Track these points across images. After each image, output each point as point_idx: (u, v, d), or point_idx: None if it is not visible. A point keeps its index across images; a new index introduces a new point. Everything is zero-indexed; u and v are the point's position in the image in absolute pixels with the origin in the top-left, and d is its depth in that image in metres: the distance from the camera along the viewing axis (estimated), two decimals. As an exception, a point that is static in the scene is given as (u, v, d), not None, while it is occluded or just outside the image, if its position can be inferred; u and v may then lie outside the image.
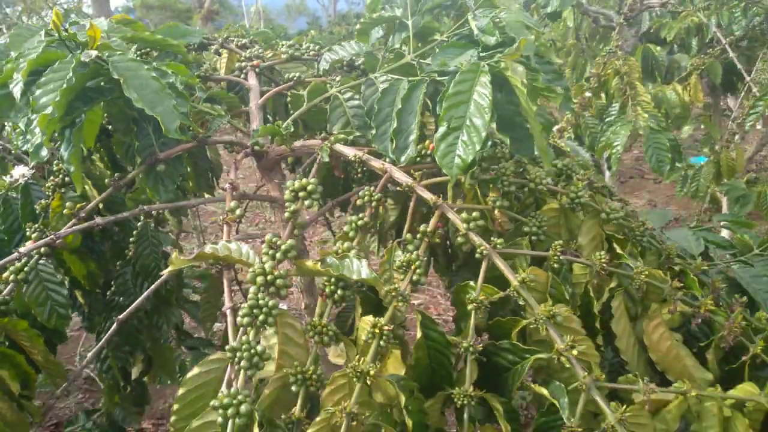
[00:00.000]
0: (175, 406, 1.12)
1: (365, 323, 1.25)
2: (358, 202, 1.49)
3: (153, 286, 1.45)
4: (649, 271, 1.34)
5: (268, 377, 1.16)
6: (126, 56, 1.38)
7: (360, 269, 1.23)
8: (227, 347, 1.11)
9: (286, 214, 1.38)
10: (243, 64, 2.08)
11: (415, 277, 1.34)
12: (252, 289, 1.18)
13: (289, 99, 1.90)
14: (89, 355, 1.47)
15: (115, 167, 1.84)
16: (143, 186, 1.62)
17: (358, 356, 1.19)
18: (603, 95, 3.38)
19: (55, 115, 1.30)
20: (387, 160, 1.52)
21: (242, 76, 2.07)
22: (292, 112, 1.86)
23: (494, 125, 1.33)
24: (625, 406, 1.12)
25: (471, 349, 1.25)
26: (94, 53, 1.33)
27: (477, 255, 1.34)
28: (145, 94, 1.33)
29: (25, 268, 1.48)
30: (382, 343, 1.21)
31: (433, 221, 1.41)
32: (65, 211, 1.58)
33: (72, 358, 3.91)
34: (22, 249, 1.47)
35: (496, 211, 1.47)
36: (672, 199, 7.02)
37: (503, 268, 1.30)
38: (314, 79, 1.92)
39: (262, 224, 6.64)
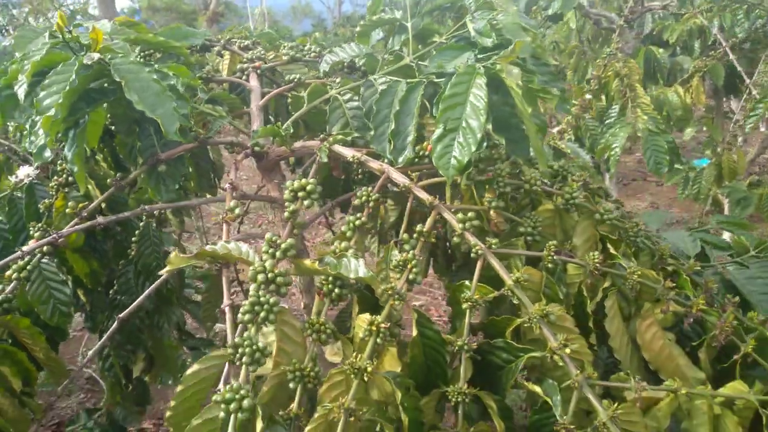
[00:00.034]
0: (173, 402, 1.12)
1: (362, 321, 1.27)
2: (356, 202, 1.51)
3: (154, 285, 1.47)
4: (642, 271, 1.36)
5: (265, 374, 1.18)
6: (128, 59, 1.40)
7: (357, 268, 1.25)
8: (229, 343, 1.13)
9: (286, 214, 1.40)
10: (245, 65, 2.11)
11: (411, 276, 1.35)
12: (252, 287, 1.19)
13: (289, 100, 1.92)
14: (90, 352, 1.49)
15: (118, 167, 1.86)
16: (145, 186, 1.64)
17: (355, 353, 1.21)
18: (603, 97, 3.39)
19: (58, 117, 1.32)
20: (385, 161, 1.54)
21: (244, 77, 2.09)
22: (293, 113, 1.88)
23: (490, 126, 1.34)
24: (616, 404, 1.13)
25: (465, 347, 1.27)
26: (96, 56, 1.35)
27: (472, 255, 1.35)
28: (146, 97, 1.35)
29: (28, 267, 1.50)
30: (378, 340, 1.22)
31: (429, 221, 1.43)
32: (68, 210, 1.61)
33: (74, 358, 3.94)
34: (24, 247, 1.49)
35: (491, 212, 1.49)
36: (674, 201, 7.02)
37: (498, 268, 1.32)
38: (315, 80, 1.95)
39: (265, 225, 6.67)
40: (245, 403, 1.03)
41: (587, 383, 1.16)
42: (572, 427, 1.12)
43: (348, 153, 1.56)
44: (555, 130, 3.18)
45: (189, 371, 1.13)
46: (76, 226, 1.55)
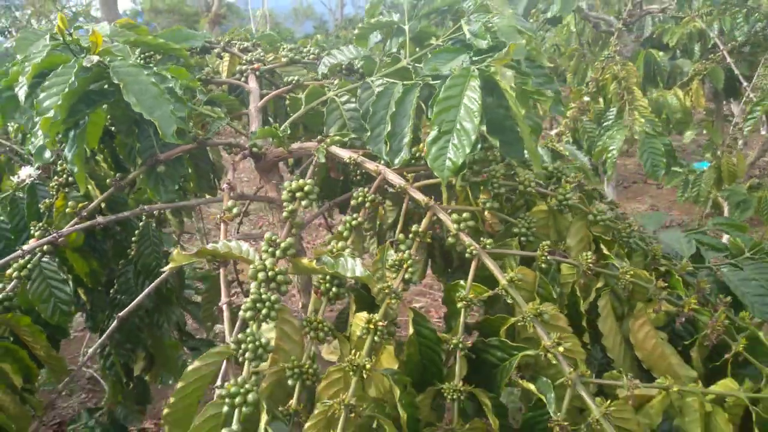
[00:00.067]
0: (171, 399, 1.12)
1: (359, 320, 1.28)
2: (353, 202, 1.53)
3: (154, 284, 1.49)
4: (634, 272, 1.38)
5: (261, 372, 1.19)
6: (127, 61, 1.42)
7: (354, 267, 1.26)
8: (232, 338, 1.14)
9: (284, 214, 1.41)
10: (244, 67, 2.13)
11: (407, 276, 1.37)
12: (253, 284, 1.21)
13: (287, 102, 1.94)
14: (90, 350, 1.51)
15: (119, 168, 1.88)
16: (144, 186, 1.66)
17: (354, 351, 1.22)
18: (601, 100, 3.41)
19: (58, 118, 1.34)
20: (382, 162, 1.55)
21: (243, 79, 2.11)
22: (291, 114, 1.90)
23: (484, 128, 1.36)
24: (609, 401, 1.15)
25: (460, 345, 1.28)
26: (96, 58, 1.37)
27: (467, 255, 1.37)
28: (144, 99, 1.37)
29: (28, 266, 1.52)
30: (376, 338, 1.24)
31: (424, 222, 1.44)
32: (68, 210, 1.62)
33: (76, 359, 3.95)
34: (25, 246, 1.51)
35: (486, 213, 1.50)
36: (674, 204, 7.03)
37: (492, 267, 1.34)
38: (313, 82, 1.96)
39: (265, 227, 6.69)
40: (250, 397, 1.03)
41: (580, 381, 1.18)
42: (566, 423, 1.13)
43: (345, 154, 1.58)
44: (553, 132, 3.20)
45: (190, 368, 1.13)
46: (76, 226, 1.57)
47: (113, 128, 1.74)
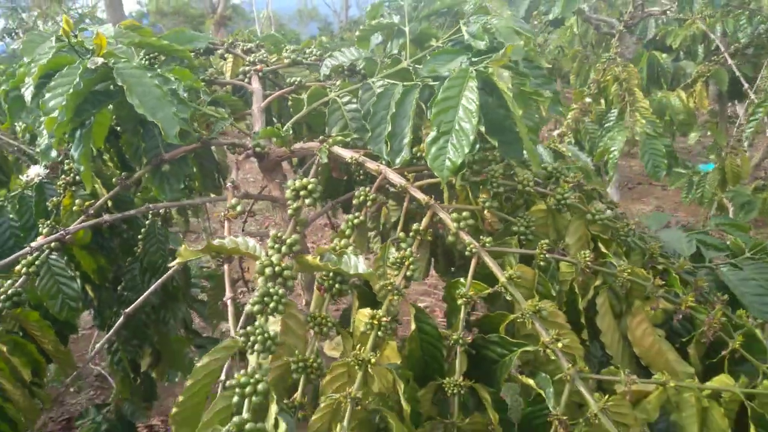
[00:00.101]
0: (181, 398, 1.12)
1: (362, 315, 1.30)
2: (354, 201, 1.55)
3: (160, 280, 1.51)
4: (632, 270, 1.40)
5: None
6: (130, 63, 1.45)
7: (357, 264, 1.29)
8: (240, 331, 1.15)
9: (289, 211, 1.43)
10: (247, 68, 2.15)
11: (408, 273, 1.39)
12: (260, 280, 1.22)
13: (290, 103, 1.97)
14: (98, 345, 1.53)
15: (125, 167, 1.90)
16: (150, 185, 1.69)
17: (359, 345, 1.24)
18: (602, 101, 3.43)
19: (63, 119, 1.37)
20: (383, 162, 1.58)
21: (246, 80, 2.14)
22: (294, 115, 1.92)
23: (483, 129, 1.38)
24: (607, 396, 1.17)
25: (461, 341, 1.31)
26: (100, 60, 1.40)
27: (467, 253, 1.39)
28: (147, 101, 1.40)
29: (36, 262, 1.54)
30: (380, 333, 1.26)
31: (425, 220, 1.47)
32: (75, 208, 1.65)
33: (83, 356, 3.98)
34: (33, 243, 1.54)
35: (486, 212, 1.52)
36: (680, 205, 7.03)
37: (491, 265, 1.36)
38: (315, 83, 1.99)
39: (271, 227, 6.70)
40: (260, 386, 1.03)
41: (579, 376, 1.20)
42: (564, 418, 1.15)
43: (346, 154, 1.61)
44: (555, 133, 3.22)
45: (199, 364, 1.13)
46: (83, 223, 1.60)
47: (119, 128, 1.77)
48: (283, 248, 1.29)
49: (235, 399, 1.04)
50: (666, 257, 1.57)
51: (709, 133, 5.87)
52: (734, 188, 4.14)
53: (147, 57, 1.96)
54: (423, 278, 1.92)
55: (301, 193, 1.44)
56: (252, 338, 1.12)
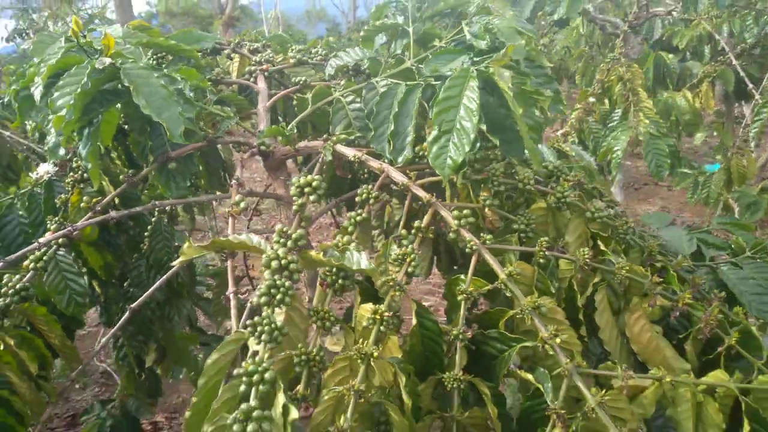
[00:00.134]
0: (194, 399, 1.13)
1: (365, 310, 1.32)
2: (357, 198, 1.57)
3: (165, 276, 1.54)
4: (630, 267, 1.41)
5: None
6: (137, 64, 1.47)
7: (359, 260, 1.30)
8: (248, 321, 1.15)
9: (294, 207, 1.45)
10: (253, 68, 2.18)
11: (410, 269, 1.41)
12: (267, 273, 1.24)
13: (295, 102, 1.99)
14: (104, 339, 1.56)
15: (132, 165, 1.93)
16: (156, 183, 1.72)
17: (362, 340, 1.26)
18: (606, 101, 3.44)
19: (71, 117, 1.40)
20: (385, 160, 1.60)
21: (252, 79, 2.16)
22: (299, 114, 1.95)
23: (485, 127, 1.40)
24: (604, 391, 1.18)
25: (461, 336, 1.33)
26: (107, 60, 1.43)
27: (467, 250, 1.41)
28: (153, 101, 1.42)
29: (44, 257, 1.57)
30: (382, 328, 1.28)
31: (426, 218, 1.49)
32: (82, 204, 1.68)
33: (89, 354, 4.02)
34: (41, 239, 1.57)
35: (486, 210, 1.54)
36: (685, 206, 7.03)
37: (491, 262, 1.38)
38: (320, 83, 2.01)
39: (277, 225, 6.73)
40: (267, 375, 1.04)
41: (577, 371, 1.21)
42: (563, 412, 1.17)
43: (350, 153, 1.63)
44: (559, 132, 3.24)
45: (209, 361, 1.13)
46: (90, 220, 1.62)
47: (126, 126, 1.79)
48: (289, 243, 1.30)
49: (242, 388, 1.04)
50: (664, 255, 1.59)
51: (715, 134, 5.86)
52: (740, 189, 4.14)
53: (155, 57, 1.98)
54: (426, 276, 1.94)
55: (306, 189, 1.46)
56: (259, 328, 1.12)
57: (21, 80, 1.56)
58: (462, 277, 1.42)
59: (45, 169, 1.83)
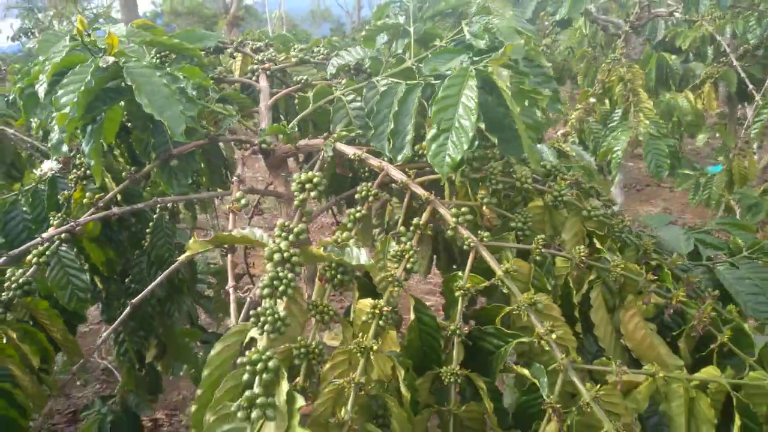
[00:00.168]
0: (199, 391, 1.13)
1: (363, 305, 1.34)
2: (357, 196, 1.59)
3: (165, 273, 1.55)
4: (625, 265, 1.43)
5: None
6: (140, 63, 1.49)
7: (359, 256, 1.32)
8: (251, 312, 1.16)
9: (296, 203, 1.47)
10: (255, 66, 2.20)
11: (408, 266, 1.43)
12: (269, 265, 1.25)
13: (296, 101, 2.01)
14: (105, 334, 1.58)
15: (135, 162, 1.95)
16: (158, 180, 1.73)
17: (361, 334, 1.28)
18: (607, 101, 3.45)
19: (75, 115, 1.42)
20: (385, 158, 1.62)
21: (254, 78, 2.18)
22: (300, 112, 1.96)
23: (483, 126, 1.42)
24: (599, 386, 1.20)
25: (458, 331, 1.34)
26: (111, 59, 1.45)
27: (465, 247, 1.43)
28: (155, 100, 1.44)
29: (47, 252, 1.59)
30: (381, 322, 1.30)
31: (425, 215, 1.50)
32: (85, 200, 1.70)
33: (91, 351, 4.05)
34: (44, 234, 1.58)
35: (484, 208, 1.56)
36: (687, 207, 7.03)
37: (488, 259, 1.39)
38: (321, 81, 2.03)
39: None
40: (271, 363, 1.05)
41: (572, 366, 1.23)
42: (558, 406, 1.19)
43: (350, 151, 1.65)
44: (560, 132, 3.25)
45: (213, 352, 1.14)
46: (93, 216, 1.64)
47: (129, 124, 1.81)
48: (290, 236, 1.32)
49: (246, 377, 1.05)
50: (659, 253, 1.60)
51: (718, 135, 5.86)
52: (741, 190, 4.14)
53: (158, 55, 2.00)
54: (425, 275, 1.95)
55: (307, 186, 1.48)
56: (263, 318, 1.14)
57: (26, 78, 1.58)
58: (459, 273, 1.43)
59: (48, 166, 1.85)
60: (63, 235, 1.61)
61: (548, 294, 1.40)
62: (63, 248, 1.64)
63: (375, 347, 1.23)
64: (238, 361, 1.08)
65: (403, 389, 1.22)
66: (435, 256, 1.99)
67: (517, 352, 1.39)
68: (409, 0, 1.87)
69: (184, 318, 2.25)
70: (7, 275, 1.53)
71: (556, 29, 3.88)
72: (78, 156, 1.83)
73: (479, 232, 1.45)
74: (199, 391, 1.13)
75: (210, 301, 2.73)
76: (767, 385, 1.22)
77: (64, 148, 1.58)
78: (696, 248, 1.81)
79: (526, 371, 1.27)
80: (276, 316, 1.14)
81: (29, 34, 10.19)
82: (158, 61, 1.97)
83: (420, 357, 1.38)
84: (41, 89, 1.51)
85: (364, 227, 1.57)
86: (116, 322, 1.56)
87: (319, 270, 1.40)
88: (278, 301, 1.21)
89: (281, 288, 1.21)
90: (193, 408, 1.12)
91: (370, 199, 1.57)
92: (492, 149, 1.61)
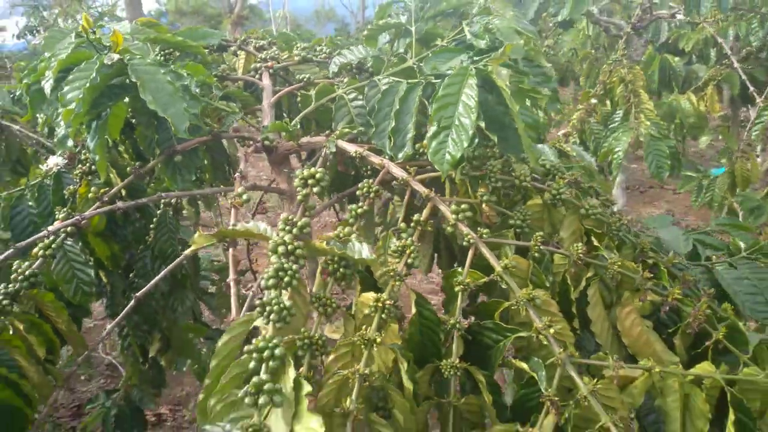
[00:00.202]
0: (207, 381, 1.14)
1: (365, 299, 1.36)
2: (358, 192, 1.61)
3: (169, 267, 1.58)
4: (622, 263, 1.45)
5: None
6: (145, 60, 1.52)
7: (361, 250, 1.34)
8: (257, 302, 1.17)
9: (299, 197, 1.49)
10: (258, 65, 2.22)
11: (409, 261, 1.45)
12: (273, 257, 1.27)
13: (299, 99, 2.03)
14: (109, 327, 1.60)
15: (139, 158, 1.97)
16: (162, 175, 1.76)
17: (364, 326, 1.29)
18: (608, 102, 3.47)
19: (80, 111, 1.44)
20: (386, 156, 1.64)
21: (257, 76, 2.20)
22: (303, 110, 1.99)
23: (483, 124, 1.44)
24: (596, 380, 1.22)
25: (458, 326, 1.36)
26: (116, 56, 1.47)
27: (464, 243, 1.45)
28: (159, 97, 1.47)
29: (53, 245, 1.61)
30: (383, 316, 1.32)
31: (425, 212, 1.52)
32: (90, 195, 1.72)
33: (95, 345, 4.08)
34: (50, 227, 1.61)
35: (484, 205, 1.58)
36: (690, 209, 7.03)
37: (488, 255, 1.41)
38: (324, 80, 2.06)
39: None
40: (277, 351, 1.06)
41: (569, 361, 1.25)
42: (556, 399, 1.21)
43: (351, 148, 1.67)
44: (561, 132, 3.27)
45: (220, 342, 1.15)
46: (98, 210, 1.66)
47: (134, 120, 1.83)
48: (294, 230, 1.34)
49: (252, 364, 1.06)
50: (656, 252, 1.62)
51: (720, 138, 5.86)
52: (744, 193, 4.15)
53: (162, 53, 2.02)
54: (426, 273, 1.97)
55: (309, 181, 1.50)
56: (268, 308, 1.15)
57: (32, 74, 1.61)
58: (459, 269, 1.45)
59: (54, 161, 1.88)
60: (69, 229, 1.63)
61: (546, 290, 1.41)
62: (68, 242, 1.66)
63: (378, 339, 1.25)
64: (245, 349, 1.09)
65: (405, 381, 1.23)
66: (436, 255, 2.01)
67: (515, 347, 1.40)
68: (411, 0, 1.89)
69: (187, 314, 2.27)
70: (14, 267, 1.55)
71: (558, 30, 3.89)
72: (83, 151, 1.85)
73: (479, 229, 1.47)
74: (207, 381, 1.14)
75: (213, 298, 2.75)
76: (761, 381, 1.24)
77: (70, 142, 1.60)
78: (695, 248, 1.82)
79: (524, 365, 1.28)
80: (282, 305, 1.15)
81: (34, 32, 10.25)
82: (162, 58, 1.99)
83: (420, 350, 1.39)
84: (47, 85, 1.53)
85: (366, 225, 1.59)
86: (120, 316, 1.58)
87: (321, 264, 1.42)
88: (283, 291, 1.23)
89: (286, 279, 1.22)
90: (200, 397, 1.13)
91: (372, 195, 1.59)
92: (492, 148, 1.63)
